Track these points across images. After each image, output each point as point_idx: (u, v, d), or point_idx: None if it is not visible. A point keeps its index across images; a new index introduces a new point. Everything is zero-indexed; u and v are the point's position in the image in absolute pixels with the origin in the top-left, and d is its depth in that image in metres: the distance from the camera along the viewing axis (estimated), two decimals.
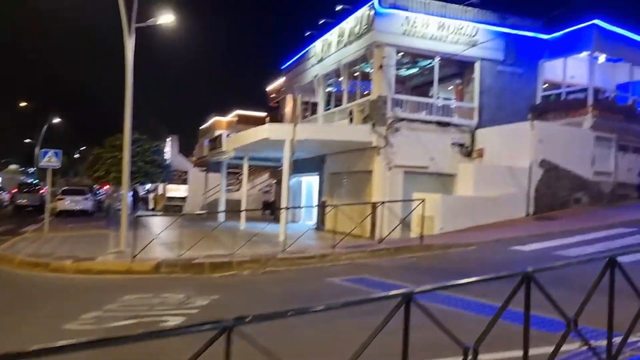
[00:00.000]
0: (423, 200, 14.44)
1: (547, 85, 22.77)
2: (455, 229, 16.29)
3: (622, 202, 20.16)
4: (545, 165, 18.34)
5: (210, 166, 32.03)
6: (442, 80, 23.23)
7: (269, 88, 35.59)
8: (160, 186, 39.57)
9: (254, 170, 37.33)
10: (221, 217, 23.65)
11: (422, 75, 24.16)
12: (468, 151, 20.70)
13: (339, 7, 21.19)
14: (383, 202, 17.71)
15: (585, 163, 19.45)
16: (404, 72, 24.28)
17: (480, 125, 20.71)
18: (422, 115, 20.37)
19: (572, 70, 21.69)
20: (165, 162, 26.65)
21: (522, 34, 21.54)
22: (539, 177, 18.22)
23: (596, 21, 19.93)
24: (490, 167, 18.61)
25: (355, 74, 22.38)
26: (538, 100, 21.85)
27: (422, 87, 24.22)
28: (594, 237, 13.99)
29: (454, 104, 21.46)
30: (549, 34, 21.71)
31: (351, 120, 20.37)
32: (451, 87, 23.54)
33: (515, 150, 18.56)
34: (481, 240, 13.93)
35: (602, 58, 22.28)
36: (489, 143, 20.01)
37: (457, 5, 20.36)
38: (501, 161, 18.79)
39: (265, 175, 37.04)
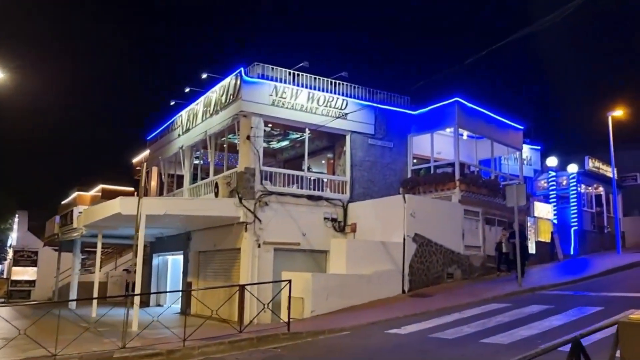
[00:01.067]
0: (289, 281, 13.01)
1: (416, 160, 22.95)
2: (328, 311, 14.95)
3: (491, 275, 20.15)
4: (418, 240, 17.86)
5: (63, 245, 28.51)
6: (314, 153, 22.67)
7: (135, 160, 33.19)
8: (5, 268, 34.77)
9: (117, 249, 34.08)
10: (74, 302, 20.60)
11: (294, 148, 23.44)
12: (341, 226, 19.87)
13: (204, 75, 20.05)
14: (247, 284, 16.02)
15: (456, 237, 19.31)
16: (275, 145, 23.45)
17: (352, 199, 20.09)
18: (293, 189, 19.37)
19: (439, 146, 22.04)
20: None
21: (391, 109, 21.70)
22: (413, 252, 17.65)
23: (458, 99, 20.53)
24: (364, 242, 17.79)
25: (224, 145, 21.07)
26: (409, 174, 21.82)
27: (294, 160, 23.42)
28: (470, 314, 13.33)
29: (325, 177, 20.77)
30: (416, 109, 22.09)
31: (217, 193, 18.82)
32: (324, 160, 22.99)
33: (388, 225, 17.97)
34: (355, 323, 12.68)
35: (465, 135, 23.02)
36: (361, 217, 19.35)
37: (326, 79, 20.08)
38: (374, 236, 18.08)
39: (130, 254, 33.84)
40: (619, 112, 26.56)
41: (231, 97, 18.81)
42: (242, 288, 16.41)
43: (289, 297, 13.01)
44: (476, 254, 20.08)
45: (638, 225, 31.54)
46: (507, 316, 12.78)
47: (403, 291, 17.13)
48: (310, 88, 19.69)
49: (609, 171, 27.78)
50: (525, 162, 27.37)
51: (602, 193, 30.41)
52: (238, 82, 18.41)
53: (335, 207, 19.84)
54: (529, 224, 23.37)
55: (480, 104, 21.71)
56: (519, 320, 12.22)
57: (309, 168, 23.07)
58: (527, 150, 27.66)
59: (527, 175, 27.39)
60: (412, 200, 17.89)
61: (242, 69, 18.35)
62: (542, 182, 28.79)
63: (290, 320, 12.75)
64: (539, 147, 28.64)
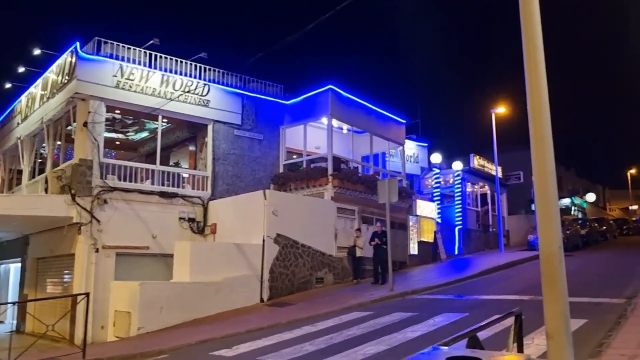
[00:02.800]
0: (87, 295, 10.63)
1: (295, 155, 21.13)
2: (162, 327, 12.64)
3: (369, 278, 18.69)
4: (281, 241, 15.95)
5: None
6: (177, 145, 20.36)
7: None
8: None
9: None
10: None
11: (155, 140, 20.88)
12: (200, 227, 17.62)
13: (37, 52, 17.09)
14: (78, 295, 13.43)
15: (327, 237, 17.63)
16: (133, 136, 20.80)
17: (214, 196, 17.92)
18: (145, 184, 16.90)
19: (318, 140, 20.28)
20: None
21: (261, 98, 19.74)
22: (275, 255, 15.70)
23: (331, 86, 18.89)
24: (213, 245, 15.72)
25: (64, 135, 18.17)
26: (281, 169, 19.93)
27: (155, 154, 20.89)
28: (323, 326, 11.55)
29: (185, 172, 18.46)
30: (289, 99, 20.27)
31: (46, 190, 15.99)
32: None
33: (248, 225, 15.94)
34: (179, 344, 10.50)
35: (345, 128, 21.52)
36: (222, 217, 17.22)
37: (185, 60, 17.78)
38: (235, 237, 15.99)
39: None
40: (501, 110, 26.18)
41: (67, 77, 16.05)
42: (74, 300, 13.85)
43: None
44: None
45: (523, 224, 31.56)
46: (361, 328, 11.11)
47: (262, 300, 15.14)
48: (166, 71, 17.31)
49: (494, 169, 27.39)
50: (411, 159, 26.40)
51: (488, 192, 30.14)
52: (73, 60, 15.70)
53: (194, 206, 17.57)
54: (411, 223, 22.24)
55: (359, 95, 20.21)
56: (373, 332, 10.59)
57: (176, 163, 20.67)
58: (414, 147, 26.71)
59: (413, 173, 26.44)
60: (274, 197, 15.97)
61: (77, 43, 15.64)
62: (430, 180, 27.97)
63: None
64: (426, 144, 27.77)
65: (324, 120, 19.66)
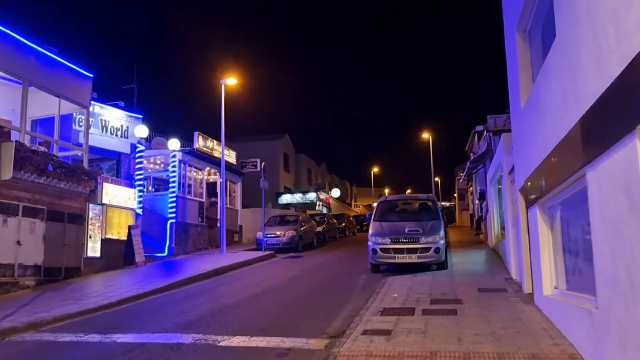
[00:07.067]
0: None
1: None
2: None
3: (1, 294, 12.32)
4: None
5: None
6: None
7: None
8: None
9: None
10: None
11: None
12: None
13: None
14: None
15: None
16: None
17: None
18: None
19: None
20: None
21: None
22: None
23: None
24: None
25: None
26: None
27: None
28: None
29: None
30: None
31: None
32: None
33: None
34: None
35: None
36: None
37: None
38: None
39: None
40: (232, 81, 21.66)
41: None
42: None
43: None
44: None
45: (258, 219, 27.64)
46: None
47: None
48: None
49: (226, 155, 22.74)
50: (118, 132, 20.29)
51: (220, 180, 25.48)
52: None
53: None
54: (92, 214, 16.21)
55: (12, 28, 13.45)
56: None
57: None
58: (123, 117, 20.55)
59: (119, 150, 20.33)
60: None
61: None
62: (146, 162, 22.17)
63: None
64: (140, 116, 21.81)
65: None
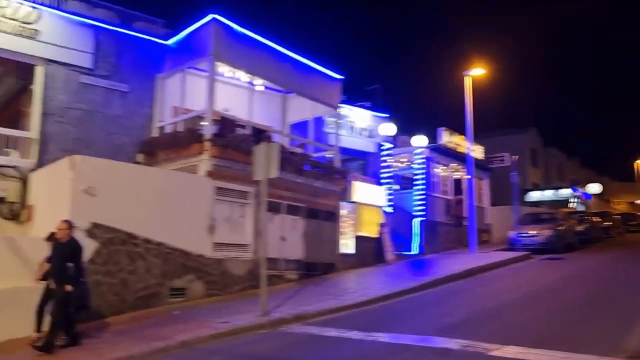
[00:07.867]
0: None
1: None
2: None
3: (270, 286, 13.31)
4: (101, 235, 10.47)
5: None
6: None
7: None
8: None
9: None
10: None
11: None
12: (14, 211, 12.25)
13: None
14: None
15: (195, 229, 12.17)
16: None
17: (42, 166, 12.49)
18: None
19: (228, 99, 14.73)
20: None
21: (128, 34, 14.23)
22: (90, 255, 10.23)
23: (215, 16, 13.26)
24: None
25: None
26: (155, 133, 14.46)
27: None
28: None
29: None
30: (168, 38, 14.71)
31: None
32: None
33: (56, 208, 10.52)
34: None
35: (260, 84, 16.04)
36: (41, 196, 11.83)
37: None
38: (49, 225, 10.55)
39: None
40: (478, 71, 20.51)
41: None
42: None
43: None
44: (238, 256, 13.04)
45: (507, 217, 25.84)
46: None
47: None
48: None
49: (472, 150, 21.65)
50: (365, 133, 20.84)
51: (466, 177, 24.44)
52: None
53: (5, 180, 12.18)
54: (344, 211, 16.72)
55: (263, 34, 14.58)
56: None
57: None
58: (369, 117, 21.08)
59: (365, 150, 20.84)
60: (89, 167, 10.45)
61: None
62: (392, 160, 22.33)
63: None
64: (387, 115, 22.05)
65: (221, 69, 14.18)
